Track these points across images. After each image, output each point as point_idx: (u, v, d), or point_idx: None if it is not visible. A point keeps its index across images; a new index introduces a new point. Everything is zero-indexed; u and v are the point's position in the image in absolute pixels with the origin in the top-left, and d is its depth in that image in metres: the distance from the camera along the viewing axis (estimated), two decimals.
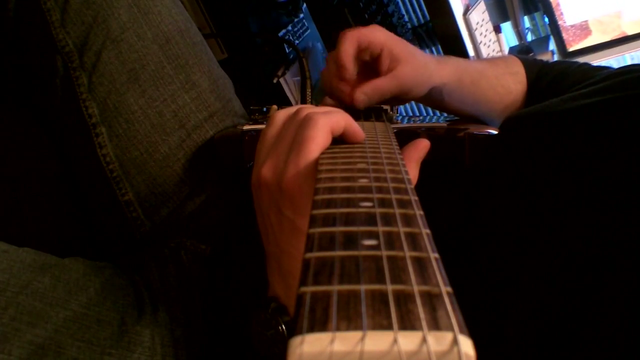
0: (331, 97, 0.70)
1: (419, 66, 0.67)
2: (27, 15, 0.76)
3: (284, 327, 0.45)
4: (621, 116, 0.54)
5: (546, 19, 1.45)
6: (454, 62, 0.74)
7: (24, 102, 0.82)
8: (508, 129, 0.64)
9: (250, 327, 0.48)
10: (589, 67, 0.81)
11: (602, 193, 0.49)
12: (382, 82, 0.66)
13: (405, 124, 0.70)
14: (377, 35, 0.67)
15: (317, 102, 0.80)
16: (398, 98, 0.68)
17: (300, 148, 0.40)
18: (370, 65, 0.68)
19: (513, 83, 0.80)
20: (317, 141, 0.40)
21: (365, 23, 1.35)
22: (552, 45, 1.44)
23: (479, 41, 1.38)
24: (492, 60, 1.00)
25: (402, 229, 0.27)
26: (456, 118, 0.77)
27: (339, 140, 0.44)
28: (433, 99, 0.72)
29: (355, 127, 0.44)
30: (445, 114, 0.79)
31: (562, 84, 0.77)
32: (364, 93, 0.65)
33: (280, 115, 0.47)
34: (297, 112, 0.45)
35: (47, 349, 0.58)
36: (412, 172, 0.46)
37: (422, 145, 0.48)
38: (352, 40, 0.66)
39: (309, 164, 0.39)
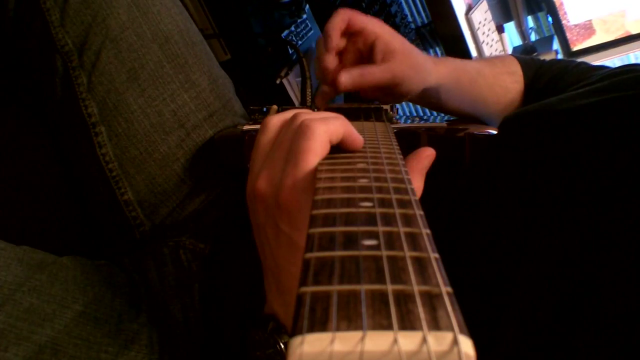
0: (320, 78, 0.69)
1: (416, 64, 0.67)
2: (27, 15, 0.76)
3: (282, 347, 0.43)
4: (619, 116, 0.54)
5: (550, 19, 1.45)
6: (451, 62, 0.73)
7: (24, 102, 0.82)
8: (506, 128, 0.64)
9: (246, 343, 0.46)
10: (587, 66, 0.80)
11: (601, 193, 0.49)
12: (372, 70, 0.65)
13: (405, 124, 0.70)
14: (372, 23, 0.67)
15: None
16: (388, 91, 0.67)
17: (297, 159, 0.37)
18: (366, 55, 0.67)
19: (511, 82, 0.80)
20: (315, 152, 0.38)
21: None
22: (556, 45, 1.44)
23: (481, 41, 1.38)
24: (489, 59, 1.00)
25: (402, 229, 0.26)
26: (455, 118, 0.77)
27: (337, 147, 0.42)
28: (430, 99, 0.72)
29: (354, 134, 0.41)
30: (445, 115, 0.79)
31: (560, 84, 0.76)
32: (349, 74, 0.63)
33: (275, 121, 0.44)
34: (293, 119, 0.42)
35: (44, 347, 0.58)
36: (416, 184, 0.43)
37: (425, 155, 0.45)
38: (344, 16, 0.66)
39: (307, 176, 0.37)
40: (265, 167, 0.40)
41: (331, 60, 0.66)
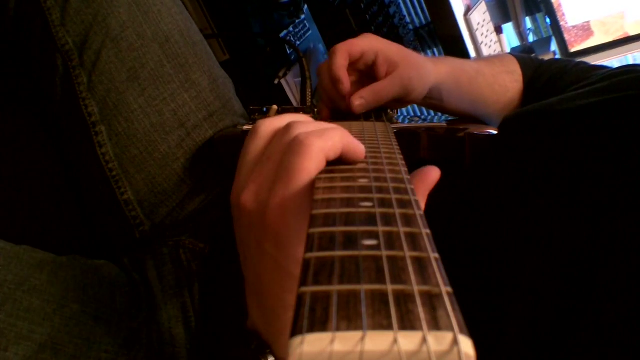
0: (327, 105, 0.70)
1: (417, 66, 0.67)
2: (27, 15, 0.76)
3: None
4: (620, 117, 0.54)
5: (548, 20, 1.45)
6: (450, 61, 0.74)
7: (24, 102, 0.82)
8: (506, 128, 0.64)
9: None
10: (586, 66, 0.81)
11: (601, 193, 0.49)
12: (382, 85, 0.66)
13: (405, 124, 0.70)
14: (368, 42, 0.67)
15: (318, 101, 0.80)
16: (399, 100, 0.68)
17: (288, 178, 0.34)
18: (368, 73, 0.68)
19: (510, 82, 0.80)
20: (309, 171, 0.34)
21: (367, 24, 1.35)
22: (554, 46, 1.44)
23: (480, 42, 1.38)
24: (488, 59, 1.00)
25: (402, 229, 0.26)
26: (455, 118, 0.77)
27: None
28: (432, 99, 0.72)
29: (354, 147, 0.37)
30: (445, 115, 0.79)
31: (559, 84, 0.77)
32: (362, 97, 0.65)
33: (266, 128, 0.40)
34: (286, 129, 0.37)
35: (44, 346, 0.58)
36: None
37: (431, 178, 0.40)
38: (343, 52, 0.66)
39: (297, 197, 0.33)
40: (253, 180, 0.37)
41: (343, 97, 0.66)
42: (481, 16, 1.41)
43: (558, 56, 1.43)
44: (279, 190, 0.34)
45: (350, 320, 0.19)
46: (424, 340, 0.18)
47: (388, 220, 0.28)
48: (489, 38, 1.43)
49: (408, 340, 0.18)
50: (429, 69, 0.69)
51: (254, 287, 0.40)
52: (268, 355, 0.39)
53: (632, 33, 1.33)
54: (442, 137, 0.68)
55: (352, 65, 0.68)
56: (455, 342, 0.18)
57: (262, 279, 0.37)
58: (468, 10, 1.37)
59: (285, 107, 0.75)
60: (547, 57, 1.28)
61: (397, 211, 0.29)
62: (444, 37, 1.37)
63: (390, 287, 0.21)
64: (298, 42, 1.40)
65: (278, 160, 0.36)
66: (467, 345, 0.19)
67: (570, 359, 0.43)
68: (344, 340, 0.19)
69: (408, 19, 1.49)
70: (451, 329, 0.19)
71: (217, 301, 0.70)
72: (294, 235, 0.30)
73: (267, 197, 0.35)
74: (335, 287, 0.21)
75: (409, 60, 0.67)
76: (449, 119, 0.77)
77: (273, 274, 0.36)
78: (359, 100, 0.65)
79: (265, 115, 0.74)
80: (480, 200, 0.59)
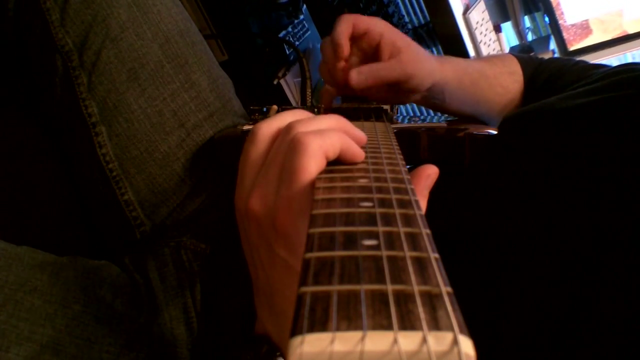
0: (328, 82, 0.70)
1: (421, 57, 0.68)
2: (27, 15, 0.76)
3: None
4: (619, 115, 0.54)
5: (547, 19, 1.45)
6: (454, 62, 0.74)
7: (24, 102, 0.82)
8: (506, 128, 0.64)
9: None
10: (585, 65, 0.81)
11: (600, 192, 0.49)
12: (382, 65, 0.66)
13: (405, 124, 0.70)
14: (376, 23, 0.67)
15: (318, 102, 0.80)
16: (397, 89, 0.68)
17: (290, 178, 0.34)
18: (371, 56, 0.68)
19: (511, 82, 0.80)
20: (309, 170, 0.34)
21: None
22: (553, 45, 1.45)
23: (479, 40, 1.38)
24: (489, 59, 1.00)
25: (402, 229, 0.26)
26: (455, 118, 0.77)
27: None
28: (434, 99, 0.72)
29: (352, 148, 0.37)
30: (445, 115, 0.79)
31: (558, 83, 0.77)
32: (360, 72, 0.64)
33: (265, 131, 0.40)
34: (286, 131, 0.38)
35: (45, 347, 0.58)
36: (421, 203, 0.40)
37: (426, 174, 0.40)
38: (348, 22, 0.66)
39: (302, 197, 0.33)
40: (258, 184, 0.37)
41: (341, 66, 0.67)
42: (480, 15, 1.41)
43: (557, 55, 1.43)
44: (284, 193, 0.34)
45: (350, 320, 0.19)
46: (424, 340, 0.18)
47: (388, 220, 0.28)
48: (488, 37, 1.44)
49: (408, 340, 0.18)
50: (434, 65, 0.69)
51: (265, 291, 0.40)
52: (278, 358, 0.40)
53: (631, 31, 1.33)
54: (442, 137, 0.68)
55: (356, 44, 0.68)
56: (455, 342, 0.19)
57: (274, 283, 0.38)
58: (467, 9, 1.38)
59: (285, 107, 0.74)
60: (546, 56, 1.28)
61: (397, 211, 0.29)
62: (443, 36, 1.37)
63: (390, 287, 0.21)
64: (297, 42, 1.40)
65: (281, 162, 0.36)
66: (467, 345, 0.19)
67: (571, 359, 0.43)
68: (344, 340, 0.19)
69: (407, 18, 1.49)
70: (451, 329, 0.19)
71: (218, 301, 0.70)
72: (303, 236, 0.30)
73: (274, 201, 0.35)
74: (335, 287, 0.21)
75: (413, 50, 0.67)
76: (449, 119, 0.77)
77: (285, 277, 0.36)
78: (357, 75, 0.64)
79: (266, 115, 0.74)
80: (480, 200, 0.59)
